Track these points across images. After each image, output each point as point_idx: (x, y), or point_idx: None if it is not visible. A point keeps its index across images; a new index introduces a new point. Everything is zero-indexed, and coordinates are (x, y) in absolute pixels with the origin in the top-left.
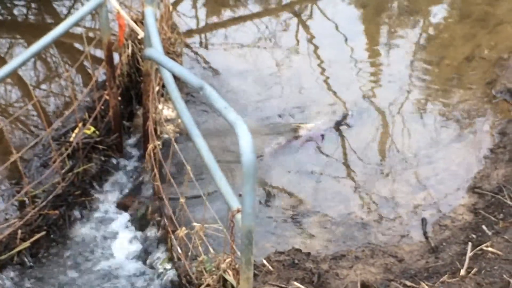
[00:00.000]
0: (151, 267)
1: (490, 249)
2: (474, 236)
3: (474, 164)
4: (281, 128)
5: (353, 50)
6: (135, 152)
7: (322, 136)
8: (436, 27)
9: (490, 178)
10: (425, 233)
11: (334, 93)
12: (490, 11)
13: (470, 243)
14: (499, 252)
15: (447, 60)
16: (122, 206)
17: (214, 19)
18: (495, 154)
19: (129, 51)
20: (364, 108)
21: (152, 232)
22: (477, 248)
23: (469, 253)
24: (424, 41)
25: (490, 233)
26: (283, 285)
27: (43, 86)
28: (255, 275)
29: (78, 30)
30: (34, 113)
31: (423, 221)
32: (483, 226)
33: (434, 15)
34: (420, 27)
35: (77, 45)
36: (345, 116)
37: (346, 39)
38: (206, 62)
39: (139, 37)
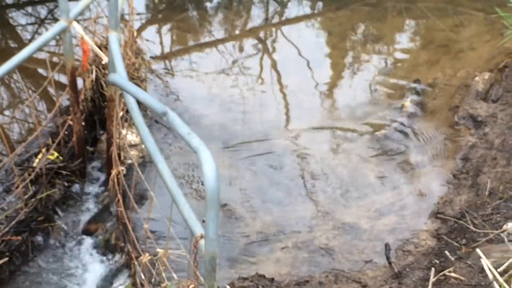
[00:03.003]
0: None
1: (453, 274)
2: (437, 261)
3: (437, 189)
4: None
5: (317, 76)
6: (99, 177)
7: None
8: (399, 53)
9: (453, 203)
10: (388, 259)
11: (297, 117)
12: (452, 38)
13: (433, 269)
14: (461, 278)
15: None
16: (85, 231)
17: (179, 45)
18: (457, 179)
19: (93, 76)
20: (327, 134)
21: (116, 257)
22: (440, 274)
23: (432, 279)
24: (388, 67)
25: (453, 259)
26: None
27: (6, 112)
28: None
29: (42, 55)
30: None
31: (387, 247)
32: (446, 252)
33: (398, 42)
34: (384, 53)
35: (41, 70)
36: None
37: (310, 65)
38: (170, 87)
39: (103, 62)
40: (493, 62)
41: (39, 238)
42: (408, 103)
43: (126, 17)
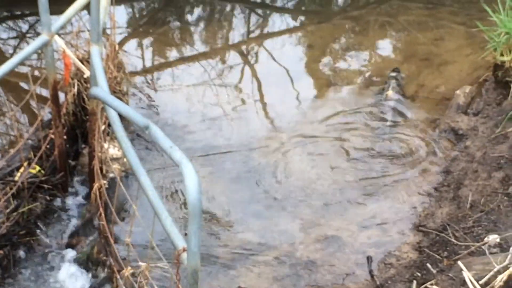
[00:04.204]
0: None
1: (434, 287)
2: (419, 274)
3: (419, 202)
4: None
5: (299, 89)
6: (81, 191)
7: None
8: (381, 67)
9: (434, 216)
10: (370, 272)
11: (279, 130)
12: (434, 51)
13: (415, 281)
14: None
15: None
16: (67, 245)
17: (161, 58)
18: (439, 192)
19: (75, 90)
20: (309, 146)
21: (98, 271)
22: (422, 287)
23: None
24: (369, 80)
25: (434, 271)
26: None
27: None
28: None
29: (24, 69)
30: None
31: (369, 259)
32: (428, 264)
33: (379, 55)
34: (365, 66)
35: (22, 84)
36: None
37: (292, 79)
38: (152, 101)
39: (85, 76)
40: (474, 76)
41: (21, 252)
42: (391, 92)
43: (108, 31)
